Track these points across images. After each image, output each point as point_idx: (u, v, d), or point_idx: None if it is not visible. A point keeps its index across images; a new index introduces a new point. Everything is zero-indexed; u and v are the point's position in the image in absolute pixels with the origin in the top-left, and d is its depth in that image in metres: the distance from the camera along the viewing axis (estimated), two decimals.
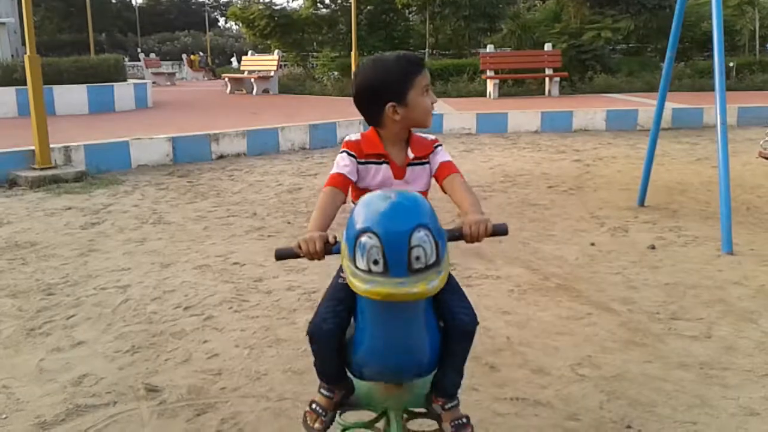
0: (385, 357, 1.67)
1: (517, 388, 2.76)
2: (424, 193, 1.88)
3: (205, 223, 5.51)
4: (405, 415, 2.03)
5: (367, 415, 2.02)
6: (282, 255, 1.67)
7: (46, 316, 3.59)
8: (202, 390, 2.79)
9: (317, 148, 9.62)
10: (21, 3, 7.39)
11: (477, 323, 1.78)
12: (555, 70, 15.18)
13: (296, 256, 1.64)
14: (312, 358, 1.86)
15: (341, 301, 1.73)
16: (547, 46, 15.78)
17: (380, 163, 1.86)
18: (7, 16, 21.34)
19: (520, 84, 15.88)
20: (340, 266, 1.89)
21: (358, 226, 1.45)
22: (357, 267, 1.44)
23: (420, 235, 1.41)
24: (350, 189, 1.85)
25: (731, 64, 16.02)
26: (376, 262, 1.40)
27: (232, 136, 8.95)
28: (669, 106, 11.15)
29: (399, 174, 1.87)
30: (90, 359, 3.08)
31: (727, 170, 4.61)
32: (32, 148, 7.32)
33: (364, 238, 1.42)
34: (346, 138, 1.91)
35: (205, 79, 34.07)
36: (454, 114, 11.38)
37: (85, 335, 3.34)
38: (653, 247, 4.64)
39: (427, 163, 1.90)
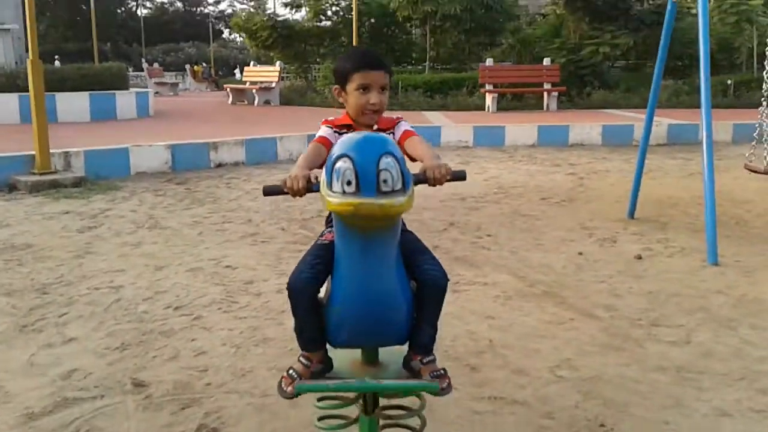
0: (360, 307, 1.77)
1: (495, 388, 2.83)
2: None
3: (201, 229, 5.59)
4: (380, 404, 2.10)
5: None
6: (269, 191, 1.87)
7: (39, 313, 3.66)
8: (187, 385, 2.86)
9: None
10: (25, 9, 7.51)
11: (448, 279, 1.91)
12: (553, 84, 15.29)
13: (281, 192, 1.83)
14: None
15: (319, 257, 1.89)
16: (546, 61, 15.90)
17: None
18: (12, 23, 21.54)
19: (518, 98, 15.99)
20: (322, 231, 2.02)
21: (335, 155, 1.66)
22: (333, 191, 1.63)
23: (387, 161, 1.61)
24: None
25: (729, 82, 16.12)
26: (349, 183, 1.59)
27: (231, 145, 9.05)
28: (665, 122, 11.28)
29: None
30: (80, 355, 3.15)
31: (712, 180, 4.70)
32: (33, 153, 7.41)
33: (339, 163, 1.62)
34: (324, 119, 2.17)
35: (208, 90, 34.28)
36: (451, 127, 11.48)
37: (77, 332, 3.41)
38: (640, 257, 4.71)
39: (392, 133, 2.09)
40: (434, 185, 1.85)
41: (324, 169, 1.72)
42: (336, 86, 2.13)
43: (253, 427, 2.53)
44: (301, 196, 1.81)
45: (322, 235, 2.03)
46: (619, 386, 2.83)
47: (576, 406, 2.67)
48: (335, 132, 2.08)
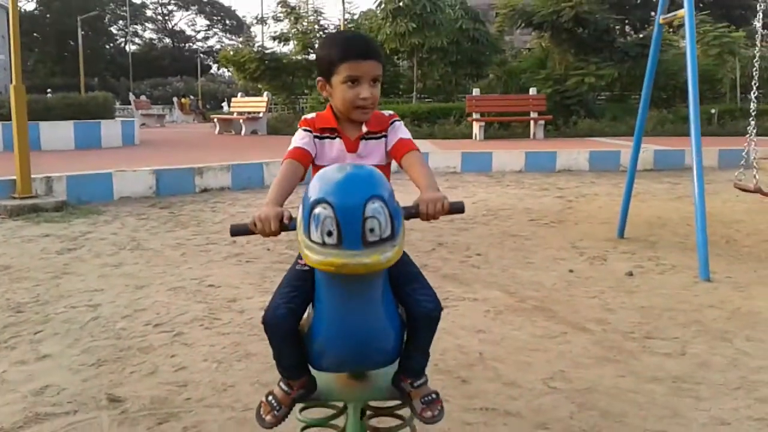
0: (343, 344, 1.62)
1: (487, 399, 2.72)
2: (384, 167, 1.82)
3: (184, 250, 5.47)
4: (369, 412, 1.99)
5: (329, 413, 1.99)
6: (237, 231, 1.65)
7: (12, 331, 3.52)
8: (166, 400, 2.73)
9: (302, 184, 9.62)
10: (10, 38, 7.46)
11: (441, 308, 1.73)
12: (540, 113, 15.38)
13: (251, 232, 1.62)
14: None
15: (297, 288, 1.69)
16: (532, 91, 16.03)
17: (333, 138, 1.86)
18: None
19: (505, 127, 16.07)
20: (299, 254, 1.87)
21: (313, 197, 1.44)
22: (311, 240, 1.42)
23: (374, 207, 1.41)
24: (311, 167, 1.85)
25: (713, 111, 16.30)
26: (330, 234, 1.39)
27: (217, 170, 8.96)
28: (651, 148, 11.34)
29: (351, 147, 1.85)
30: (54, 371, 3.02)
31: (702, 195, 4.68)
32: (13, 177, 7.29)
33: (318, 209, 1.41)
34: (303, 117, 1.92)
35: (195, 121, 34.32)
36: (438, 153, 11.47)
37: (51, 349, 3.28)
38: (631, 274, 4.64)
39: (384, 137, 1.87)
40: (428, 220, 1.64)
41: (300, 208, 1.50)
42: (320, 78, 1.86)
43: None
44: (274, 236, 1.61)
45: (300, 258, 1.78)
46: (615, 397, 2.74)
47: (571, 417, 2.57)
48: (315, 138, 1.85)
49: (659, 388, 2.82)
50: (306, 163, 1.82)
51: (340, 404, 1.99)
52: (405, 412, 2.05)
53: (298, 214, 1.51)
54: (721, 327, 3.57)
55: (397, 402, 1.99)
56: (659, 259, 5.08)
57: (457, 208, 1.68)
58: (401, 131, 1.87)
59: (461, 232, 6.11)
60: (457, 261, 5.05)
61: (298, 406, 2.03)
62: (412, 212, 1.64)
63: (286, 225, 1.59)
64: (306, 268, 1.74)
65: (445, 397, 2.71)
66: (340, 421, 1.97)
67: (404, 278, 1.73)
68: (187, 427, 2.50)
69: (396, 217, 1.46)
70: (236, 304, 3.98)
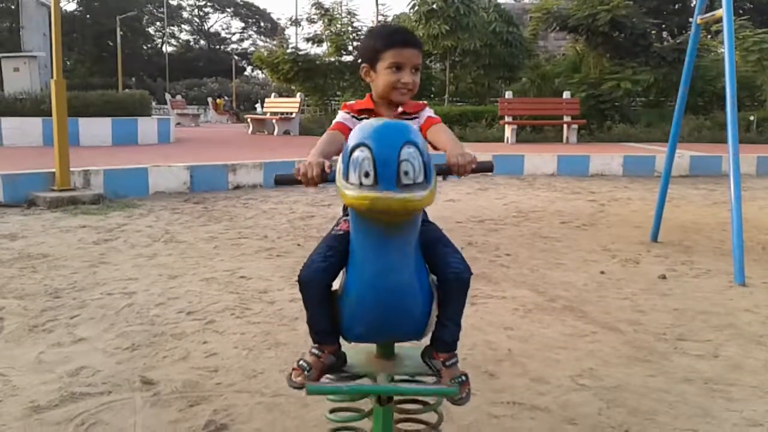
0: (374, 304, 1.68)
1: (514, 394, 2.72)
2: None
3: (216, 243, 5.55)
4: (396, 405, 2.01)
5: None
6: (281, 179, 1.78)
7: (50, 315, 3.62)
8: (197, 384, 2.78)
9: (333, 182, 9.68)
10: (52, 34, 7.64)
11: (471, 273, 1.80)
12: (573, 117, 15.25)
13: (295, 180, 1.73)
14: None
15: (332, 249, 1.79)
16: (566, 95, 15.90)
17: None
18: (39, 51, 22.11)
19: (538, 131, 15.96)
20: (337, 220, 1.93)
21: (352, 143, 1.54)
22: (349, 182, 1.52)
23: (409, 151, 1.50)
24: None
25: (752, 118, 16.00)
26: (367, 175, 1.48)
27: (249, 167, 9.07)
28: (687, 154, 11.18)
29: None
30: (89, 354, 3.09)
31: (739, 197, 4.60)
32: (53, 170, 7.46)
33: (356, 153, 1.51)
34: (343, 103, 2.06)
35: (229, 122, 34.66)
36: None
37: (87, 333, 3.36)
38: (664, 277, 4.59)
39: (416, 117, 1.99)
40: (459, 174, 1.75)
41: (341, 157, 1.62)
42: (364, 65, 2.01)
43: (263, 425, 2.44)
44: (314, 185, 1.72)
45: (337, 224, 1.93)
46: (645, 396, 2.71)
47: (599, 413, 2.56)
48: (354, 117, 1.98)
49: (690, 388, 2.79)
50: (346, 135, 1.91)
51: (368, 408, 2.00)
52: (431, 397, 2.07)
53: (338, 163, 1.62)
54: (755, 331, 3.51)
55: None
56: (693, 263, 5.01)
57: (485, 167, 1.77)
58: (430, 113, 2.03)
59: (491, 233, 6.09)
60: (486, 260, 5.04)
61: (328, 405, 2.08)
62: (444, 168, 1.73)
63: (327, 174, 1.70)
64: (341, 232, 1.84)
65: (473, 390, 2.68)
66: (366, 425, 1.99)
67: (435, 244, 1.83)
68: (217, 410, 2.55)
69: (429, 167, 1.55)
70: (267, 296, 4.03)
